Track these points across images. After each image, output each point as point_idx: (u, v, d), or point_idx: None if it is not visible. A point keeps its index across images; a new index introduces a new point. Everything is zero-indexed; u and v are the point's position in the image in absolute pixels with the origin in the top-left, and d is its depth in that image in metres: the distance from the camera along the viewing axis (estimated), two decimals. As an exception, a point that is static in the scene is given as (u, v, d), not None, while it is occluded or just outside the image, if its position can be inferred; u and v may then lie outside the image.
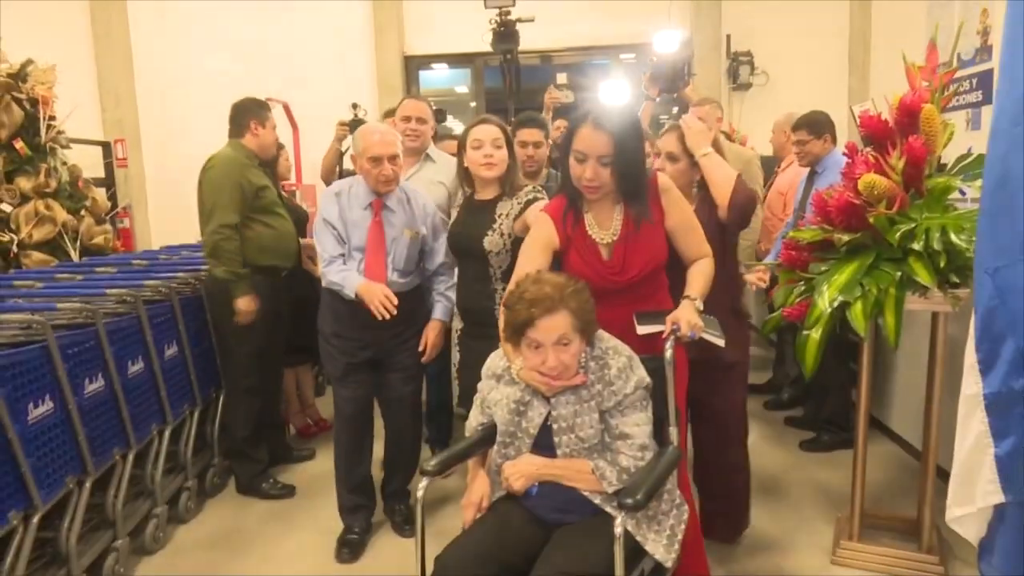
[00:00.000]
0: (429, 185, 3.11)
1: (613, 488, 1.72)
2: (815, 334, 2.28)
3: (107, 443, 2.59)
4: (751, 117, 6.75)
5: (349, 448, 2.85)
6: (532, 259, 1.99)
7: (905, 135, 2.32)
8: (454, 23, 6.79)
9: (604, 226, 2.02)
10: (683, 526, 1.81)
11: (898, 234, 2.25)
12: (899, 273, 2.24)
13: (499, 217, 2.51)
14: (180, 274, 3.27)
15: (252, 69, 6.83)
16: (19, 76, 4.78)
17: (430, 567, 1.72)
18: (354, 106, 5.33)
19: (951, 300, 2.24)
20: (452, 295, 2.80)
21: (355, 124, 3.76)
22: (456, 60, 7.34)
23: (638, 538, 1.70)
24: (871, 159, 2.40)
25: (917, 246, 2.21)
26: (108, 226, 5.33)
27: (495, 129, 2.54)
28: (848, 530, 2.64)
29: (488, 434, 1.90)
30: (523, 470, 1.77)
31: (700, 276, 2.02)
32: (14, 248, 4.61)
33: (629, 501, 1.55)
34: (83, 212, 5.04)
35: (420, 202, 2.82)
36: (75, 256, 4.81)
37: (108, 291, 2.75)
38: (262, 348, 3.20)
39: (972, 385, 1.72)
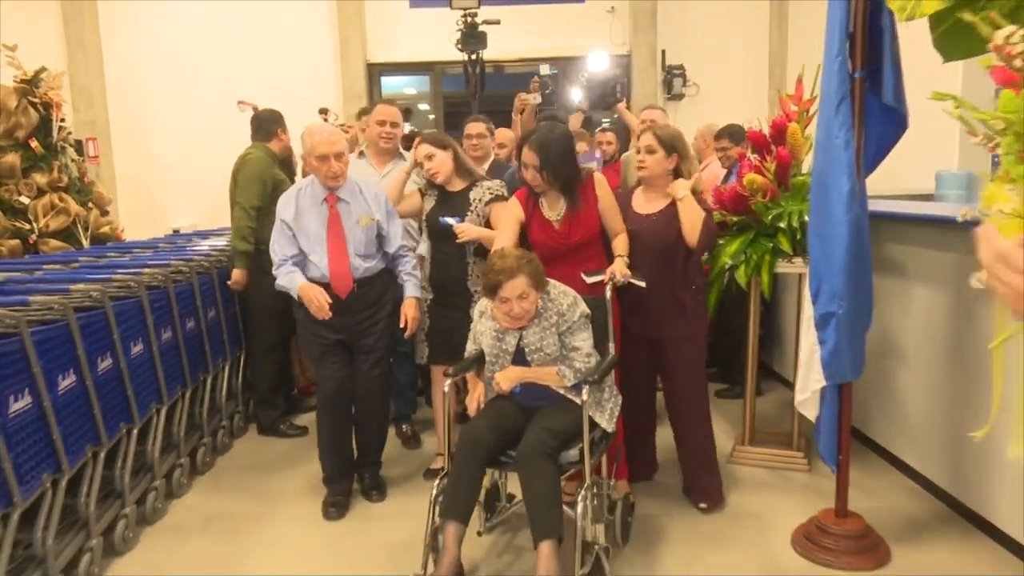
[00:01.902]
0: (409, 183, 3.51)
1: (571, 382, 2.52)
2: (715, 288, 3.17)
3: (173, 382, 3.30)
4: (684, 125, 7.35)
5: (331, 429, 3.09)
6: (506, 227, 2.84)
7: (776, 146, 3.22)
8: (414, 32, 7.46)
9: (553, 208, 2.86)
10: (618, 408, 2.65)
11: (770, 217, 3.15)
12: (771, 244, 3.15)
13: (474, 202, 3.10)
14: (212, 252, 3.96)
15: (220, 73, 7.23)
16: (33, 82, 5.35)
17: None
18: (323, 111, 5.87)
19: (807, 263, 3.13)
20: (418, 273, 3.17)
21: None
22: (416, 68, 8.04)
23: (590, 414, 2.49)
24: (755, 163, 3.29)
25: (783, 224, 3.11)
26: (112, 217, 5.90)
27: (427, 147, 3.09)
28: (742, 439, 3.53)
29: (479, 355, 2.67)
30: (508, 376, 2.55)
31: (622, 242, 2.88)
32: (33, 236, 5.18)
33: (590, 379, 2.40)
34: (90, 204, 5.61)
35: (372, 191, 3.07)
36: (86, 244, 5.38)
37: (172, 262, 3.43)
38: (283, 313, 3.85)
39: (807, 310, 2.61)
